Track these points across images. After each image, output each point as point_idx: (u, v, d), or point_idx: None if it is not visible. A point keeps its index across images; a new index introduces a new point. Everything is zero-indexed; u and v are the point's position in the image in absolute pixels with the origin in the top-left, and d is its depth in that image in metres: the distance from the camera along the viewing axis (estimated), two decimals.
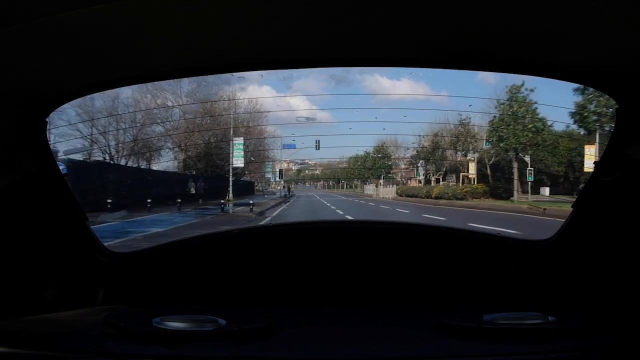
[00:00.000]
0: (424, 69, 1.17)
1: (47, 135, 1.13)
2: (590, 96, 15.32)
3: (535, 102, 17.12)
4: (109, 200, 11.57)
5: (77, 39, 0.82)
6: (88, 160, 15.85)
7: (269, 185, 32.46)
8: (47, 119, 1.10)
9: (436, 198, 20.65)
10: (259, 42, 0.93)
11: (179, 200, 13.54)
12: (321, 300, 1.24)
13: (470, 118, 21.89)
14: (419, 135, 24.66)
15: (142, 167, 19.41)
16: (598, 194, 1.18)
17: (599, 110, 15.55)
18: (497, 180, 22.55)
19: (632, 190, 1.09)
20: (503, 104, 18.33)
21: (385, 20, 0.84)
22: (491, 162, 21.91)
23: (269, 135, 26.42)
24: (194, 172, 21.26)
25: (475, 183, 21.97)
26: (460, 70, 1.12)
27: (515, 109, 17.51)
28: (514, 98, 17.65)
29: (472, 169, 23.03)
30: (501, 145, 18.69)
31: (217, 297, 1.25)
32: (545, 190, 25.15)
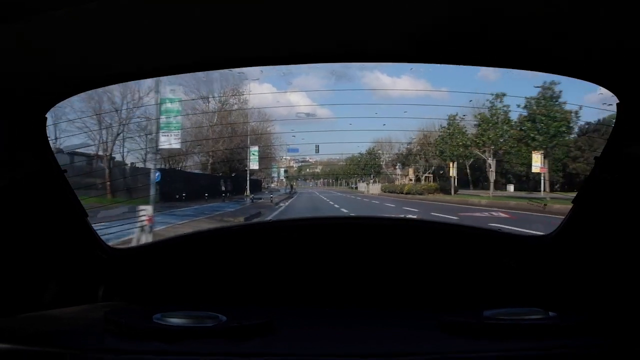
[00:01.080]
0: (424, 64, 1.17)
1: (47, 132, 1.09)
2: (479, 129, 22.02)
3: (464, 127, 24.05)
4: (184, 194, 17.68)
5: (76, 34, 0.81)
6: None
7: (271, 182, 36.66)
8: (46, 115, 1.08)
9: (406, 193, 26.92)
10: (256, 37, 0.91)
11: (223, 195, 19.71)
12: (321, 300, 1.22)
13: (430, 133, 28.12)
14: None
15: (191, 171, 25.65)
16: (598, 189, 1.16)
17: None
18: (475, 178, 28.60)
19: (633, 186, 1.06)
20: (444, 127, 25.07)
21: (384, 16, 0.83)
22: (470, 163, 27.99)
23: (275, 140, 31.70)
24: (220, 174, 27.34)
25: (432, 182, 28.17)
26: (462, 66, 1.05)
27: (451, 131, 23.98)
28: (450, 124, 24.27)
29: (453, 168, 27.58)
30: (441, 156, 25.35)
31: (217, 294, 1.23)
32: (511, 187, 30.40)
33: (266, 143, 30.91)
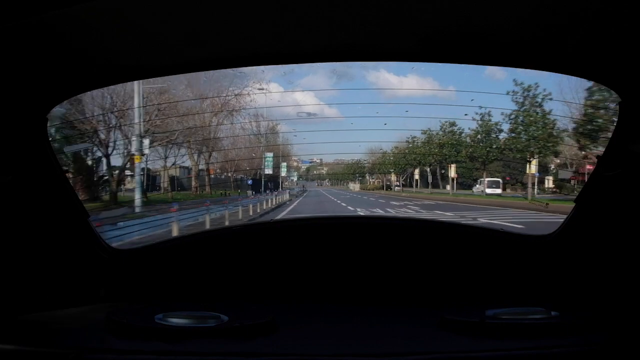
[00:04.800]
0: (427, 63, 1.13)
1: (48, 132, 1.08)
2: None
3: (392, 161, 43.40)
4: (260, 189, 38.03)
5: (78, 34, 0.81)
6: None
7: (284, 181, 47.78)
8: (47, 116, 1.07)
9: (368, 190, 46.11)
10: (259, 37, 0.91)
11: (269, 190, 40.38)
12: (323, 297, 1.22)
13: (386, 150, 47.98)
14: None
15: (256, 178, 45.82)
16: (601, 188, 1.15)
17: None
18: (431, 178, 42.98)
19: (635, 184, 1.05)
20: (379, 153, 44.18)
21: (387, 13, 0.82)
22: (429, 169, 47.41)
23: (292, 152, 47.77)
24: (265, 179, 48.09)
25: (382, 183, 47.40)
26: (467, 65, 1.05)
27: (383, 160, 43.34)
28: (383, 155, 43.70)
29: (417, 173, 39.33)
30: (378, 171, 45.25)
31: (220, 294, 1.23)
32: (447, 187, 43.94)
33: (287, 158, 50.93)
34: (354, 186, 53.01)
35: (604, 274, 1.17)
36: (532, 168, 28.02)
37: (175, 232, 8.66)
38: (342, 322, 1.07)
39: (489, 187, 29.37)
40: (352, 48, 0.99)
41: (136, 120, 14.29)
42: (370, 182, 50.72)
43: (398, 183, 43.17)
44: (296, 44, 0.98)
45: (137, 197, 14.29)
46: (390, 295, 1.24)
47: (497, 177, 31.42)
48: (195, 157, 25.20)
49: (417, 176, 39.73)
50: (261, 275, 1.28)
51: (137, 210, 12.76)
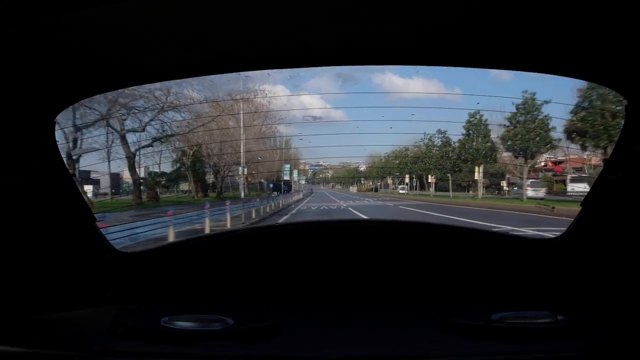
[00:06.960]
0: (430, 67, 1.24)
1: (55, 136, 1.11)
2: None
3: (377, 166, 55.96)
4: (280, 191, 50.54)
5: (85, 37, 0.81)
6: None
7: (294, 185, 52.65)
8: (55, 120, 1.09)
9: (362, 192, 58.88)
10: (264, 39, 0.91)
11: (285, 191, 52.89)
12: (327, 299, 1.21)
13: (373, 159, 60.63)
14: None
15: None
16: (607, 191, 1.15)
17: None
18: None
19: None
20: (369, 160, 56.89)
21: (389, 15, 0.82)
22: (415, 175, 59.28)
23: (301, 157, 55.90)
24: (280, 182, 60.75)
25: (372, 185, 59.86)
26: (472, 69, 1.06)
27: (370, 167, 56.25)
28: (372, 164, 56.70)
29: (407, 178, 46.07)
30: (368, 177, 58.01)
31: (225, 297, 1.23)
32: (432, 189, 43.65)
33: (297, 165, 62.92)
34: (353, 188, 64.98)
35: (611, 277, 1.15)
36: (478, 175, 40.73)
37: (268, 209, 20.26)
38: (346, 324, 1.08)
39: (401, 189, 47.78)
40: (357, 52, 1.00)
41: (242, 160, 27.85)
42: (365, 185, 63.44)
43: (376, 186, 51.94)
44: (299, 47, 0.98)
45: (242, 194, 27.36)
46: (395, 297, 1.24)
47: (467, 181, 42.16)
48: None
49: (407, 180, 47.40)
50: (265, 278, 1.29)
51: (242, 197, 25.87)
